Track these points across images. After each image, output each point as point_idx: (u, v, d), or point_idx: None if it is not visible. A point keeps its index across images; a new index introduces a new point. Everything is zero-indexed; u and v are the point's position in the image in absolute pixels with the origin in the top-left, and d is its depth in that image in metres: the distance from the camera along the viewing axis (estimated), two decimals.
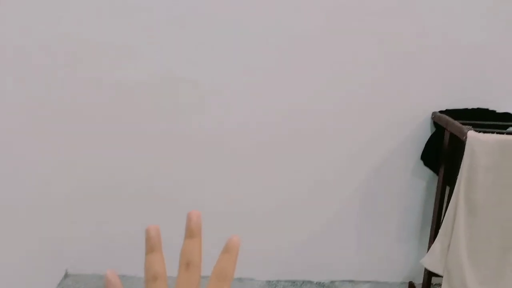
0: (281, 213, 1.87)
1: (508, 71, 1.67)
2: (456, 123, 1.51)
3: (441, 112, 1.68)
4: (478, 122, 1.57)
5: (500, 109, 1.68)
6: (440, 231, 1.60)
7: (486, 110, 1.67)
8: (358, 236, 1.92)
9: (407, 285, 1.98)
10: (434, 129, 1.71)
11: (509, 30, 1.62)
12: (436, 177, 1.72)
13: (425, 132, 1.73)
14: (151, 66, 1.65)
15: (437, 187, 1.69)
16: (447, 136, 1.59)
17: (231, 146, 1.77)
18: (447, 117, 1.59)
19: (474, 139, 1.40)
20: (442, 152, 1.63)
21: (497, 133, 1.47)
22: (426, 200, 1.85)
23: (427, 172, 1.79)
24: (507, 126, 1.63)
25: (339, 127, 1.75)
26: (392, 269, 1.98)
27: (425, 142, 1.72)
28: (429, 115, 1.71)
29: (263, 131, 1.75)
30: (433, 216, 1.74)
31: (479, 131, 1.47)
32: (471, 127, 1.47)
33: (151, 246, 0.34)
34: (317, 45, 1.64)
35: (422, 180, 1.82)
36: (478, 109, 1.68)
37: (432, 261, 1.65)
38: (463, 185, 1.47)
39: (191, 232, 0.35)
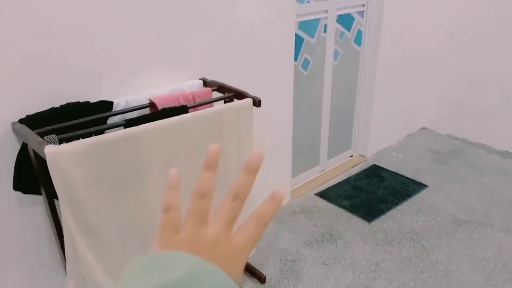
0: None
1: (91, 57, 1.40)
2: (34, 135, 1.15)
3: (21, 121, 1.26)
4: (65, 124, 1.25)
5: (94, 98, 1.42)
6: (68, 268, 1.27)
7: (78, 103, 1.37)
8: None
9: None
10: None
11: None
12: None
13: (14, 151, 1.31)
14: None
15: (48, 215, 1.33)
16: (32, 153, 1.21)
17: None
18: (26, 128, 1.20)
19: (56, 155, 1.07)
20: (37, 173, 1.25)
21: (86, 135, 1.20)
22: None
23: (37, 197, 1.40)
24: (107, 117, 1.40)
25: None
26: None
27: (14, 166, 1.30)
28: (10, 127, 1.29)
29: None
30: (59, 250, 1.39)
31: (68, 137, 1.17)
32: (53, 136, 1.14)
33: (209, 164, 0.37)
34: None
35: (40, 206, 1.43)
36: (68, 104, 1.35)
37: None
38: (67, 208, 1.16)
39: (250, 169, 0.36)
